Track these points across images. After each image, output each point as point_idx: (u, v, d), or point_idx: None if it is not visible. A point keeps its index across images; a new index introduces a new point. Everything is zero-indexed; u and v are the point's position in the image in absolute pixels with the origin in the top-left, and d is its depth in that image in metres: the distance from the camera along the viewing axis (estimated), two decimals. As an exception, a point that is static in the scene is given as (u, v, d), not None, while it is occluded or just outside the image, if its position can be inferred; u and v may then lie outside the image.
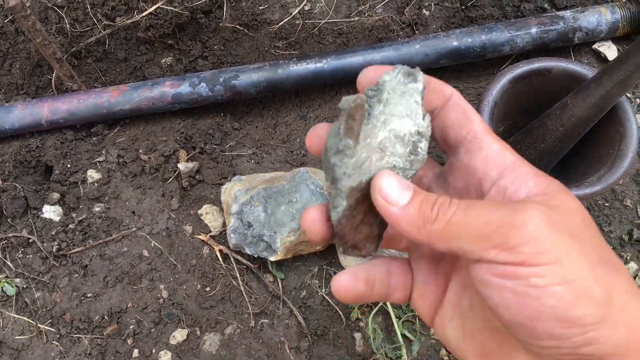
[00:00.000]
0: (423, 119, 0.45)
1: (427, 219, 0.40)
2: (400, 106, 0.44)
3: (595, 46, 1.45)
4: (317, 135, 0.47)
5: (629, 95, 1.44)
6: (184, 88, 1.36)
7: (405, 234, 0.41)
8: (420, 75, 0.45)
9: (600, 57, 1.45)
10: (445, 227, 0.39)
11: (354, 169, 0.43)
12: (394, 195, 0.42)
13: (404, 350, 1.21)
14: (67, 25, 1.41)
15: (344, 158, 0.43)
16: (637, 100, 1.44)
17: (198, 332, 1.23)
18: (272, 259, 1.22)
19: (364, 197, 0.45)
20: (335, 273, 1.28)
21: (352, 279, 0.48)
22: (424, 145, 0.46)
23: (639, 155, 1.34)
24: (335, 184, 0.44)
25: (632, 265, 1.29)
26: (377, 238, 0.48)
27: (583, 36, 1.40)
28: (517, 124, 1.24)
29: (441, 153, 1.40)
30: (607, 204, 1.34)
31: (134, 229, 1.30)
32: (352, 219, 0.45)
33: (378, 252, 0.51)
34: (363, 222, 0.46)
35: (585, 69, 1.11)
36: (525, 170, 0.43)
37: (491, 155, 0.44)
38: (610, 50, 1.44)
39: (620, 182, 1.35)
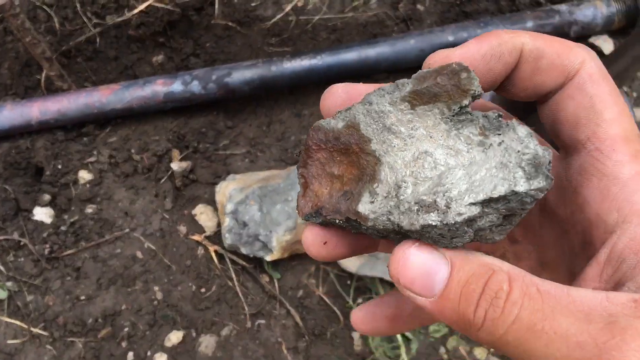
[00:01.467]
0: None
1: (469, 323, 0.27)
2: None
3: (591, 40, 1.44)
4: (345, 92, 0.35)
5: (626, 89, 1.43)
6: (176, 86, 1.34)
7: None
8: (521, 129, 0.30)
9: (596, 51, 1.44)
10: (497, 342, 0.26)
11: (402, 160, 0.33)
12: (420, 281, 0.29)
13: (402, 349, 1.20)
14: (57, 24, 1.39)
15: (392, 138, 0.33)
16: (634, 94, 1.43)
17: (194, 334, 1.22)
18: (268, 258, 1.21)
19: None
20: (332, 272, 1.27)
21: (369, 317, 0.39)
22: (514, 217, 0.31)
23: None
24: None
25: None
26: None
27: (579, 30, 1.39)
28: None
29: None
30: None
31: (127, 230, 1.28)
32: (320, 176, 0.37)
33: None
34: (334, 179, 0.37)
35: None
36: None
37: (615, 188, 0.29)
38: (606, 44, 1.43)
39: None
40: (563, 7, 1.39)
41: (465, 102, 0.31)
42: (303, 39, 1.46)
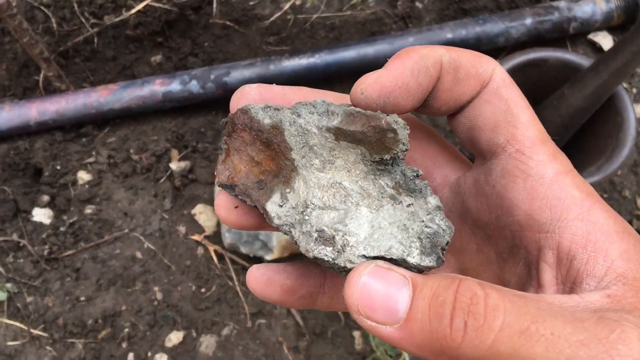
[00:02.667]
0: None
1: (445, 340, 0.24)
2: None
3: (590, 36, 1.44)
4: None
5: (626, 85, 1.42)
6: (175, 86, 1.33)
7: (419, 357, 0.26)
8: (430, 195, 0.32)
9: (596, 48, 1.44)
10: (485, 356, 0.24)
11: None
12: (382, 307, 0.26)
13: (403, 348, 1.19)
14: (54, 25, 1.39)
15: (312, 156, 0.33)
16: (635, 90, 1.42)
17: (194, 334, 1.21)
18: (269, 257, 1.20)
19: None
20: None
21: (264, 279, 0.36)
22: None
23: (636, 146, 1.33)
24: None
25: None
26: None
27: (578, 26, 1.38)
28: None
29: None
30: (605, 195, 1.33)
31: (126, 230, 1.28)
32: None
33: None
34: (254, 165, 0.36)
35: (582, 59, 1.10)
36: (600, 221, 0.27)
37: (542, 187, 0.29)
38: (605, 40, 1.42)
39: (619, 173, 1.33)
40: (562, 4, 1.38)
41: (387, 157, 0.31)
42: (301, 38, 1.46)
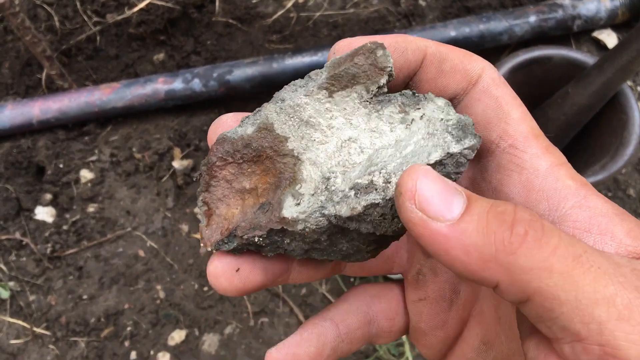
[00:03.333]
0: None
1: (502, 244, 0.23)
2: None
3: (594, 34, 1.43)
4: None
5: (631, 83, 1.42)
6: (177, 84, 1.33)
7: (455, 268, 0.25)
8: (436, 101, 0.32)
9: (600, 45, 1.43)
10: (537, 269, 0.23)
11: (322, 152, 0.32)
12: (437, 201, 0.25)
13: (407, 347, 1.19)
14: (57, 23, 1.39)
15: (311, 132, 0.32)
16: (639, 88, 1.41)
17: (197, 333, 1.21)
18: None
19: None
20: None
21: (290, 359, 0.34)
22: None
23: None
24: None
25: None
26: (233, 239, 0.33)
27: (582, 24, 1.37)
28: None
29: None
30: (610, 194, 1.32)
31: (129, 229, 1.28)
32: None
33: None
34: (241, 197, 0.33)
35: (586, 57, 1.09)
36: (599, 206, 0.28)
37: (538, 180, 0.29)
38: (610, 38, 1.42)
39: (623, 172, 1.33)
40: (566, 1, 1.37)
41: (383, 81, 0.31)
42: (304, 36, 1.45)
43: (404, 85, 0.33)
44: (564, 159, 0.30)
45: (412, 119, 0.31)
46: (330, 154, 0.31)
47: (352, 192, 0.29)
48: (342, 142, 0.31)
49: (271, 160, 0.32)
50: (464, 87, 0.32)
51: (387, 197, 0.28)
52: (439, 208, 0.24)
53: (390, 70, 0.31)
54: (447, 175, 0.29)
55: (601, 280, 0.23)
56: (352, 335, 0.37)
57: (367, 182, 0.29)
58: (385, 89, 0.32)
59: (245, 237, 0.31)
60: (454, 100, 0.33)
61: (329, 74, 0.32)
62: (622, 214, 0.28)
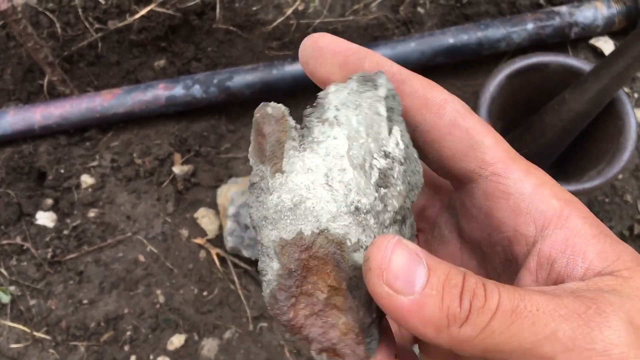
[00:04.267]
0: (389, 134, 0.30)
1: (453, 317, 0.26)
2: (354, 123, 0.29)
3: (591, 41, 1.44)
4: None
5: (627, 90, 1.43)
6: (178, 90, 1.34)
7: (417, 334, 0.27)
8: (382, 79, 0.30)
9: (597, 53, 1.44)
10: (481, 334, 0.25)
11: (280, 211, 0.28)
12: (402, 276, 0.26)
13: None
14: (59, 30, 1.40)
15: (259, 194, 0.29)
16: (636, 95, 1.42)
17: (196, 337, 1.22)
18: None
19: (318, 261, 0.28)
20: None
21: None
22: (398, 171, 0.29)
23: (637, 150, 1.33)
24: (257, 235, 0.30)
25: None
26: (371, 330, 0.30)
27: (579, 31, 1.39)
28: (515, 121, 1.23)
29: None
30: (607, 200, 1.33)
31: (129, 234, 1.28)
32: (303, 297, 0.28)
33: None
34: (332, 307, 0.29)
35: (583, 63, 1.10)
36: (577, 227, 0.29)
37: (524, 203, 0.30)
38: (607, 45, 1.43)
39: (620, 178, 1.34)
40: (563, 9, 1.39)
41: (291, 123, 0.31)
42: (304, 43, 1.47)
43: None
44: (546, 177, 0.31)
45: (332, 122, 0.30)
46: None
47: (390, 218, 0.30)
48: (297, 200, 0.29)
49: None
50: (423, 114, 0.32)
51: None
52: (404, 284, 0.26)
53: (285, 111, 0.31)
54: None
55: (540, 322, 0.25)
56: None
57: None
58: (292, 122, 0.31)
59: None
60: (416, 130, 0.33)
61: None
62: (598, 235, 0.29)
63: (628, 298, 0.26)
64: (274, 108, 0.31)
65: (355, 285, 0.29)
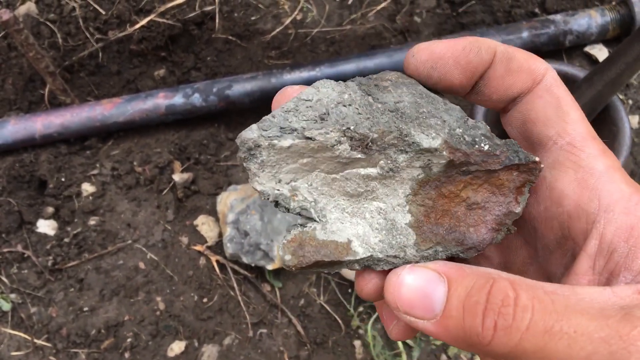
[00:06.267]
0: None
1: (477, 337, 0.26)
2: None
3: (586, 49, 1.46)
4: None
5: (622, 96, 1.44)
6: (178, 99, 1.36)
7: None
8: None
9: (592, 60, 1.46)
10: (512, 351, 0.25)
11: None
12: (419, 304, 0.27)
13: (404, 357, 1.20)
14: (60, 40, 1.42)
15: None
16: (630, 101, 1.44)
17: (196, 344, 1.22)
18: (270, 267, 1.22)
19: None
20: (333, 281, 1.28)
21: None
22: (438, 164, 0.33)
23: (632, 156, 1.35)
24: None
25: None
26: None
27: (574, 39, 1.40)
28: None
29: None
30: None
31: (129, 241, 1.29)
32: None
33: None
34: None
35: (577, 70, 1.12)
36: None
37: (593, 178, 0.30)
38: (601, 53, 1.45)
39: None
40: (558, 17, 1.41)
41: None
42: (302, 52, 1.48)
43: (474, 84, 0.34)
44: (619, 163, 0.31)
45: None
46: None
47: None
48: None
49: None
50: (529, 86, 0.33)
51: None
52: (422, 310, 0.27)
53: None
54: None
55: (576, 345, 0.24)
56: None
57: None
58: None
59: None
60: (518, 98, 0.34)
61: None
62: None
63: None
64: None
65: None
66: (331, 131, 0.32)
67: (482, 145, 0.32)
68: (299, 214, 0.34)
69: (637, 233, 0.28)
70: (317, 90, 0.33)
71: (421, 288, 0.27)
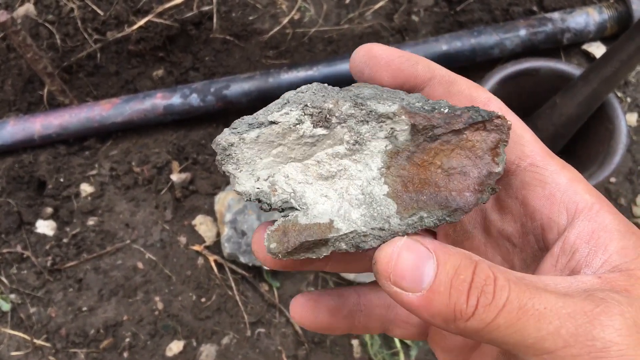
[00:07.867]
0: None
1: (460, 313, 0.28)
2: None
3: (584, 47, 1.45)
4: None
5: (620, 94, 1.44)
6: (176, 99, 1.36)
7: (428, 323, 0.30)
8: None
9: (590, 58, 1.46)
10: (487, 327, 0.27)
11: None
12: (409, 275, 0.29)
13: (401, 356, 1.20)
14: (58, 41, 1.42)
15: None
16: (629, 99, 1.44)
17: (194, 343, 1.22)
18: (267, 267, 1.22)
19: None
20: (331, 280, 1.28)
21: (310, 304, 0.39)
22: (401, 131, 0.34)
23: (630, 153, 1.34)
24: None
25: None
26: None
27: (572, 37, 1.40)
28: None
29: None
30: (601, 203, 1.34)
31: (128, 241, 1.30)
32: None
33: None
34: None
35: (573, 68, 1.12)
36: (605, 222, 0.31)
37: (559, 192, 0.32)
38: (599, 51, 1.44)
39: (614, 181, 1.35)
40: (555, 15, 1.40)
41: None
42: (300, 51, 1.49)
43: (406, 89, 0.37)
44: (580, 175, 0.33)
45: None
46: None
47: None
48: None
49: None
50: None
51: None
52: (411, 283, 0.29)
53: None
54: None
55: (545, 319, 0.26)
56: (371, 311, 0.40)
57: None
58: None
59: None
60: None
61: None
62: (624, 232, 0.31)
63: (637, 300, 0.27)
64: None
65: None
66: (291, 110, 0.34)
67: (442, 109, 0.33)
68: (281, 209, 0.35)
69: (597, 236, 0.31)
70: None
71: (414, 260, 0.29)
